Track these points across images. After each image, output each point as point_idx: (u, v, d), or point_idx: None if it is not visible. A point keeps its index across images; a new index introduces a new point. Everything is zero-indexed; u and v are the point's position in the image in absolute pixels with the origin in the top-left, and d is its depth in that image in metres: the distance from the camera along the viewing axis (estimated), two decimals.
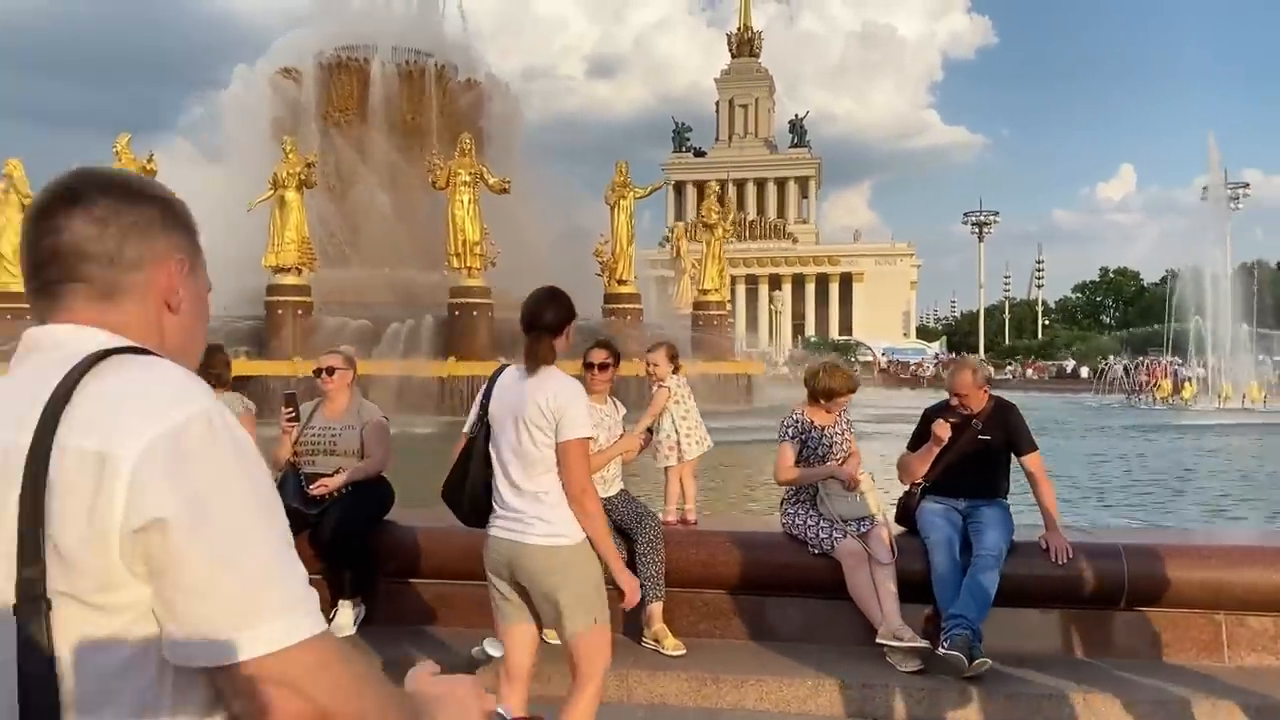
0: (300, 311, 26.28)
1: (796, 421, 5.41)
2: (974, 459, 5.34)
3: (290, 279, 26.34)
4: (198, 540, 1.08)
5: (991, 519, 5.19)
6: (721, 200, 35.44)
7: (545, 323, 3.68)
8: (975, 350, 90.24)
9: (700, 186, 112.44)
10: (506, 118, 35.50)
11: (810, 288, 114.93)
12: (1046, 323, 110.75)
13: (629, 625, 5.25)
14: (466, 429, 3.92)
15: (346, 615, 5.64)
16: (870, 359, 75.12)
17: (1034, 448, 5.39)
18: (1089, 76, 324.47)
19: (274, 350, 25.65)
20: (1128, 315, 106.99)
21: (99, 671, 1.09)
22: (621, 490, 5.68)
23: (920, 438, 5.49)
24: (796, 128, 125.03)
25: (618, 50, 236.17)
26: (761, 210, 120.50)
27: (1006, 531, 5.16)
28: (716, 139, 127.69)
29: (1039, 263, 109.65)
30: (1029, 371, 67.88)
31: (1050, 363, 72.02)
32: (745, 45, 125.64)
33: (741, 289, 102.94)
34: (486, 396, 3.76)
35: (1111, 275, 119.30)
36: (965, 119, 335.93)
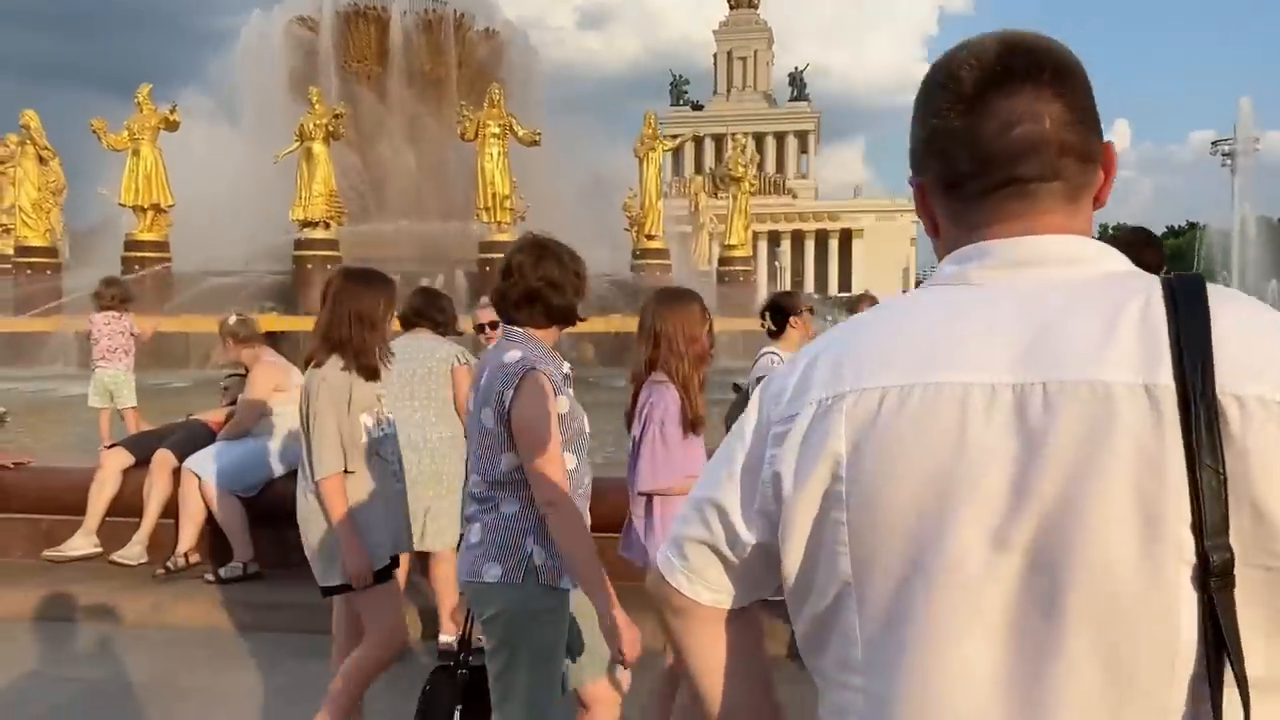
0: (329, 266, 25.86)
1: None
2: None
3: (319, 233, 25.94)
4: None
5: None
6: (743, 150, 34.96)
7: (1146, 263, 3.48)
8: None
9: (699, 141, 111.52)
10: (525, 68, 34.88)
11: (810, 244, 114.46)
12: None
13: None
14: None
15: None
16: None
17: None
18: (1085, 29, 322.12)
19: (304, 306, 25.29)
20: None
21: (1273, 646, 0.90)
22: None
23: None
24: (796, 81, 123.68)
25: (608, 1, 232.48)
26: (760, 165, 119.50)
27: None
28: (714, 92, 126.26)
29: None
30: None
31: None
32: None
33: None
34: None
35: (1111, 231, 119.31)
36: None
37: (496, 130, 26.14)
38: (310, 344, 3.37)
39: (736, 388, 5.82)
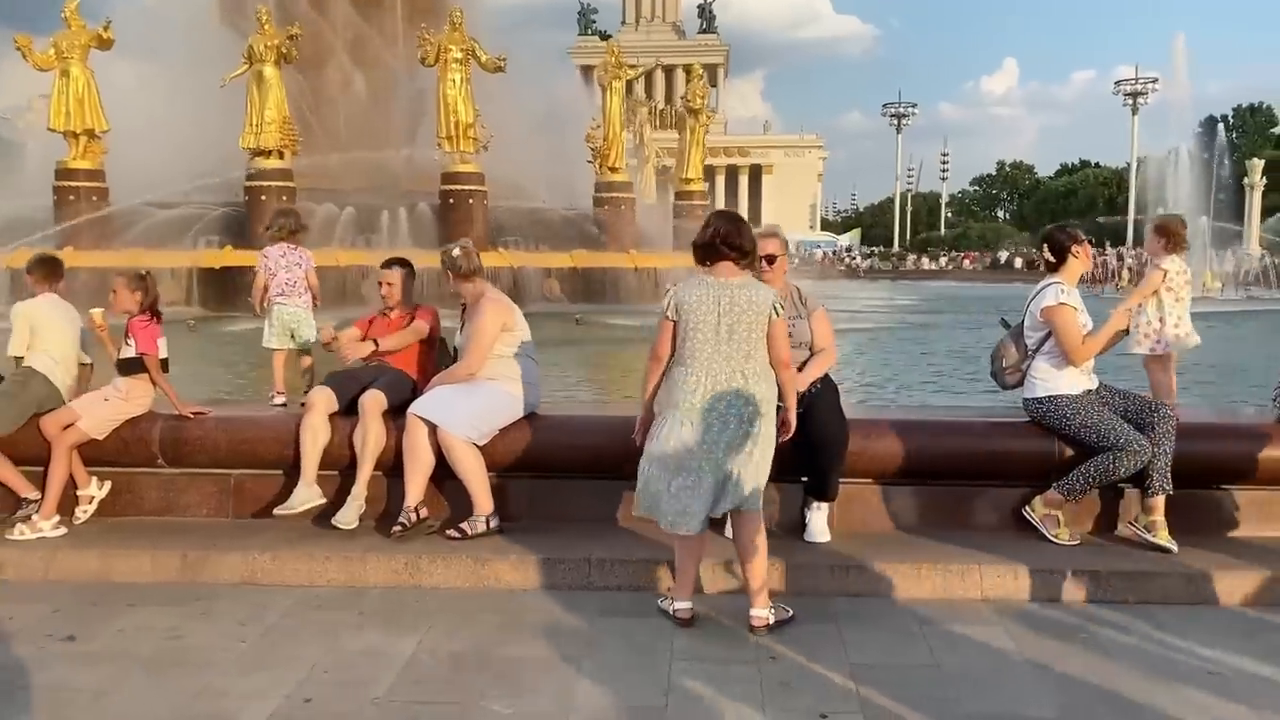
0: (285, 198, 24.41)
1: None
2: None
3: (272, 163, 24.39)
4: None
5: None
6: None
7: None
8: (889, 242, 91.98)
9: None
10: None
11: (720, 179, 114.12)
12: (949, 215, 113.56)
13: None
14: None
15: (822, 519, 5.18)
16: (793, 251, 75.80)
17: None
18: None
19: (259, 240, 23.82)
20: (1023, 208, 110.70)
21: None
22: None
23: None
24: (705, 12, 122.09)
25: None
26: (670, 99, 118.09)
27: None
28: (623, 22, 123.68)
29: (944, 155, 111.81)
30: (966, 262, 69.61)
31: (984, 253, 74.10)
32: None
33: (653, 180, 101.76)
34: None
35: (1008, 169, 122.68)
36: (856, 8, 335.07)
37: (459, 55, 24.91)
38: None
39: (1005, 323, 5.59)
